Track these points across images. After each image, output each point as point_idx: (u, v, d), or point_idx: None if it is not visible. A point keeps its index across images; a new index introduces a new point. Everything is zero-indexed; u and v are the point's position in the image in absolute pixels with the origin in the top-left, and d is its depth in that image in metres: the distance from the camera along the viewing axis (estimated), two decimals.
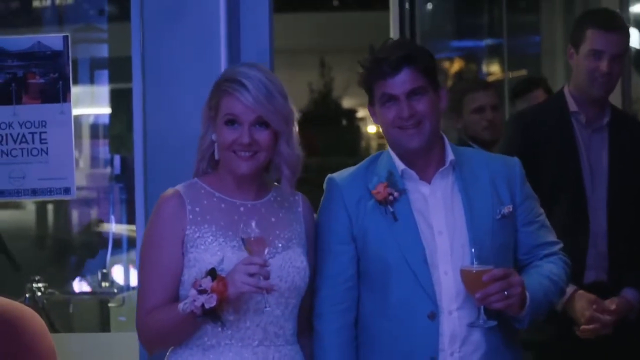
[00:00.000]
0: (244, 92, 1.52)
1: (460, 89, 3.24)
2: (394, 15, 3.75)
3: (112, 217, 5.01)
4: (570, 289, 2.05)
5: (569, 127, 2.30)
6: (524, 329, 1.72)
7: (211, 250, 1.57)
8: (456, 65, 6.01)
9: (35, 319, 1.64)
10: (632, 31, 3.63)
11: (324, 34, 9.29)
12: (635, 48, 4.07)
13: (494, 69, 5.88)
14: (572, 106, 2.27)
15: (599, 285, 2.23)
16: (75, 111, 2.58)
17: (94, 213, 5.41)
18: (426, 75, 1.66)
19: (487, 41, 5.83)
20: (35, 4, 5.21)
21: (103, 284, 4.14)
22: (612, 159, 2.28)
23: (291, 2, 7.74)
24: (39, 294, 3.42)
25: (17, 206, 5.36)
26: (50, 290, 3.57)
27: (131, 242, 4.36)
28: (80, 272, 4.74)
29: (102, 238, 5.06)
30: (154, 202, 1.66)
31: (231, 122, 1.54)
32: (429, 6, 5.18)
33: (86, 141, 5.42)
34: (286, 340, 1.64)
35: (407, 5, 3.81)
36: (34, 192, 2.35)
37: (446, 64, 5.72)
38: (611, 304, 2.17)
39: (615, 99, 3.12)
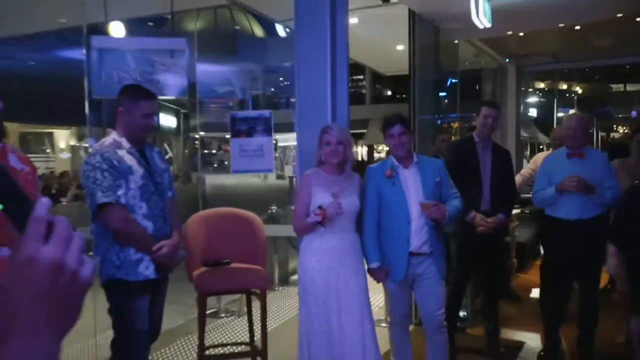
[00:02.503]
0: (334, 132, 3.12)
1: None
2: None
3: None
4: (473, 213, 3.74)
5: (475, 148, 3.89)
6: (445, 227, 3.29)
7: (321, 197, 2.97)
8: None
9: (257, 219, 3.31)
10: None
11: None
12: None
13: None
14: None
15: (486, 212, 3.79)
16: None
17: None
18: (407, 127, 3.19)
19: None
20: None
21: None
22: (492, 163, 3.86)
23: None
24: None
25: None
26: None
27: None
28: None
29: None
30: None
31: (327, 144, 3.13)
32: None
33: None
34: (352, 231, 3.08)
35: None
36: None
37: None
38: (492, 220, 3.77)
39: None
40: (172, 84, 3.96)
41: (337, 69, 3.41)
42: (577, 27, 6.15)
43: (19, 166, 2.20)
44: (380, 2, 4.69)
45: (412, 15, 4.80)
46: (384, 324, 4.45)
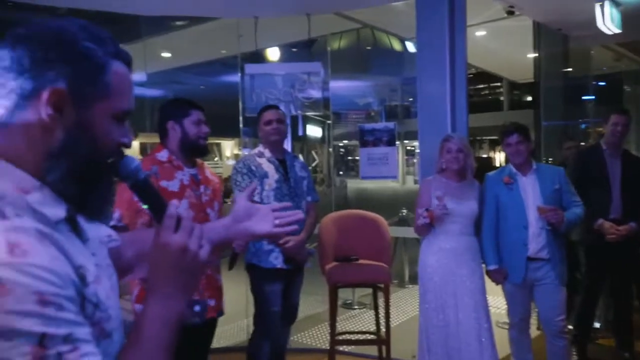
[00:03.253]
0: (455, 141, 3.11)
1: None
2: None
3: None
4: (600, 220, 3.48)
5: (603, 156, 3.61)
6: (563, 233, 3.09)
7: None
8: None
9: (383, 221, 3.49)
10: None
11: None
12: None
13: None
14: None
15: (616, 220, 3.49)
16: None
17: None
18: (524, 136, 3.12)
19: None
20: None
21: None
22: (623, 170, 3.56)
23: None
24: None
25: None
26: None
27: None
28: None
29: None
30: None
31: (448, 151, 3.15)
32: None
33: None
34: (469, 234, 3.08)
35: None
36: None
37: None
38: (623, 228, 3.44)
39: None
40: (310, 100, 4.26)
41: (457, 81, 3.45)
42: None
43: (211, 177, 2.62)
44: (505, 14, 4.57)
45: (536, 25, 4.61)
46: (507, 327, 4.31)
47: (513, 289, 3.17)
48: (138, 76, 5.89)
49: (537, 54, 4.63)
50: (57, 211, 0.76)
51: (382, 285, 3.48)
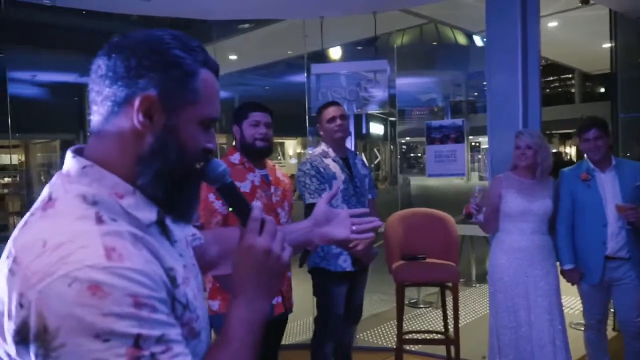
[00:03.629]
0: (523, 137, 3.01)
1: None
2: None
3: None
4: None
5: None
6: None
7: (512, 200, 2.93)
8: None
9: (450, 218, 3.45)
10: None
11: None
12: None
13: None
14: None
15: None
16: None
17: None
18: (603, 131, 2.97)
19: None
20: None
21: None
22: None
23: None
24: None
25: None
26: None
27: None
28: None
29: None
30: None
31: (517, 147, 3.01)
32: None
33: None
34: (543, 233, 2.95)
35: None
36: None
37: None
38: None
39: None
40: (375, 98, 4.24)
41: (529, 74, 3.33)
42: None
43: (282, 178, 2.68)
44: (580, 3, 4.36)
45: (613, 13, 4.37)
46: (582, 328, 4.13)
47: (589, 289, 3.04)
48: None
49: (613, 44, 4.38)
50: (149, 214, 0.80)
51: (450, 284, 3.42)
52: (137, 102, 0.77)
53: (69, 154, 0.81)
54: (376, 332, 4.61)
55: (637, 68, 4.68)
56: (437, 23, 5.86)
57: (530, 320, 2.91)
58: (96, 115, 0.80)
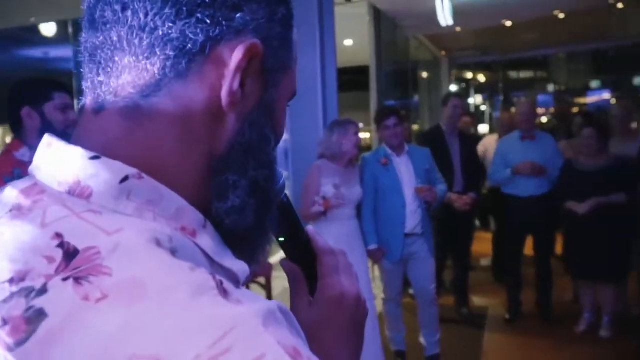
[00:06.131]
0: (350, 125, 3.10)
1: None
2: None
3: None
4: (448, 194, 3.83)
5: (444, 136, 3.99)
6: (435, 209, 3.39)
7: (329, 188, 3.09)
8: None
9: None
10: None
11: None
12: None
13: None
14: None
15: (460, 193, 3.89)
16: None
17: None
18: (401, 119, 3.24)
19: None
20: None
21: None
22: (461, 148, 3.98)
23: None
24: None
25: None
26: None
27: None
28: None
29: None
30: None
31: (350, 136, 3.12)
32: None
33: None
34: (356, 217, 3.03)
35: None
36: None
37: None
38: (466, 197, 3.82)
39: None
40: None
41: (327, 61, 3.35)
42: (509, 24, 6.42)
43: None
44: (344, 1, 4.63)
45: (373, 12, 4.78)
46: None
47: (391, 266, 3.26)
48: None
49: (374, 40, 4.80)
50: (239, 264, 0.46)
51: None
52: (238, 54, 0.42)
53: (74, 152, 0.41)
54: None
55: (392, 63, 5.25)
56: None
57: None
58: (126, 76, 0.42)
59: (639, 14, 6.69)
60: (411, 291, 4.00)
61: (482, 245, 5.73)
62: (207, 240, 0.43)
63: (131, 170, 0.40)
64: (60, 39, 5.35)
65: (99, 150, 0.41)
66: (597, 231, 3.49)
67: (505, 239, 4.25)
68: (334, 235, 2.96)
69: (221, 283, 0.36)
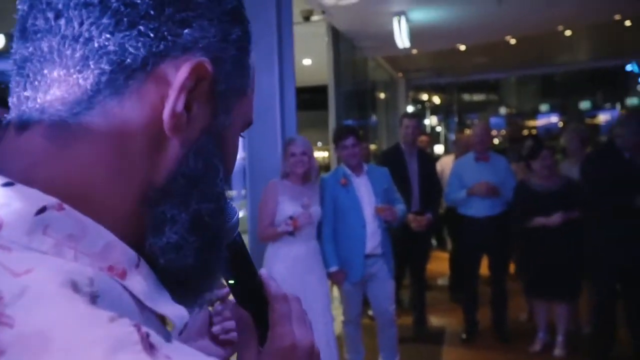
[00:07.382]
0: (298, 143, 2.95)
1: None
2: None
3: None
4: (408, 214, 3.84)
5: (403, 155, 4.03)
6: (395, 227, 3.38)
7: (288, 207, 2.84)
8: None
9: None
10: None
11: None
12: None
13: None
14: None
15: (417, 213, 3.94)
16: None
17: None
18: (358, 139, 3.21)
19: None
20: None
21: None
22: (419, 167, 4.03)
23: None
24: None
25: None
26: None
27: None
28: None
29: None
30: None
31: (293, 155, 2.91)
32: None
33: None
34: (315, 238, 2.98)
35: None
36: None
37: None
38: (422, 218, 3.91)
39: None
40: None
41: (285, 78, 3.32)
42: (462, 48, 6.61)
43: None
44: (302, 19, 4.63)
45: (332, 32, 4.81)
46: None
47: (351, 287, 3.21)
48: None
49: (332, 59, 4.82)
50: (177, 309, 0.41)
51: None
52: (184, 72, 0.38)
53: None
54: None
55: (350, 83, 5.27)
56: None
57: None
58: (54, 90, 0.37)
59: (586, 40, 7.03)
60: (370, 312, 3.96)
61: (439, 264, 5.78)
62: (139, 282, 0.37)
63: (50, 200, 0.34)
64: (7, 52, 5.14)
65: (16, 175, 0.35)
66: (551, 249, 3.56)
67: (461, 258, 4.28)
68: (286, 256, 2.91)
69: (147, 336, 0.30)
